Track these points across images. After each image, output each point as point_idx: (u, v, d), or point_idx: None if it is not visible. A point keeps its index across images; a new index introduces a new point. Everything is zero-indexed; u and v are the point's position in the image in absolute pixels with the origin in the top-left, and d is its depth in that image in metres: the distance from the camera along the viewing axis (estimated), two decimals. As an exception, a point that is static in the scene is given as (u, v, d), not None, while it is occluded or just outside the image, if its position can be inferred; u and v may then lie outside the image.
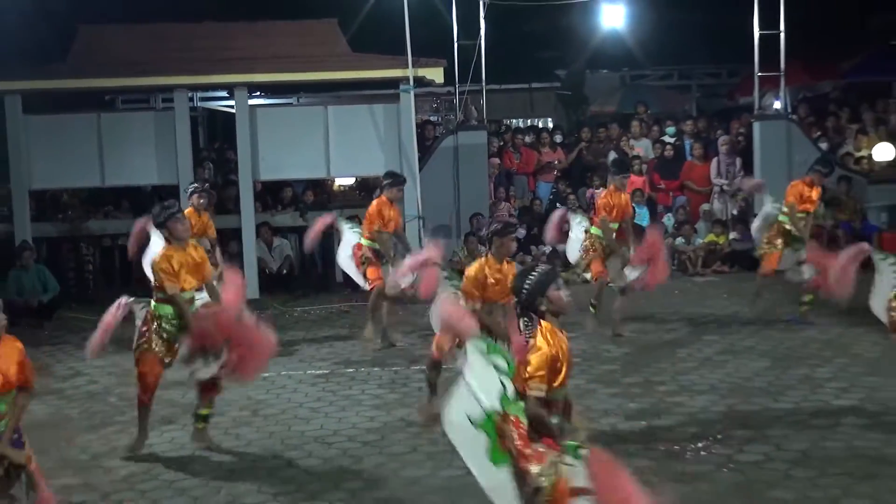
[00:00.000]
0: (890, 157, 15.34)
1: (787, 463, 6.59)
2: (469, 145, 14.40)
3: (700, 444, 7.01)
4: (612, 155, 16.18)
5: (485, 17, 14.64)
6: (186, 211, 10.20)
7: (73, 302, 13.03)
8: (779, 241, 10.65)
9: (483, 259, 7.34)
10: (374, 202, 10.29)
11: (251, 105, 13.79)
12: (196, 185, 10.91)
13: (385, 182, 10.33)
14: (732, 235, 14.44)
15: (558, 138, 16.69)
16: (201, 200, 10.51)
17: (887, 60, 19.42)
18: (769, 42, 14.99)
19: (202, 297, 7.87)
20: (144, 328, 7.18)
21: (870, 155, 15.54)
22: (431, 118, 18.96)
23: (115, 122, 13.75)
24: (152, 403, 7.30)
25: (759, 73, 15.27)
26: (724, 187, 15.37)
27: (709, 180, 15.58)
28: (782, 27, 14.83)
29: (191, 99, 15.61)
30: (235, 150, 13.82)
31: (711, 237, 14.62)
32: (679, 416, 7.70)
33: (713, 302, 12.34)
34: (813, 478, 6.30)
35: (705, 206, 15.34)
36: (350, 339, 10.89)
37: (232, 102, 14.14)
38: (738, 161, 15.51)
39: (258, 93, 15.89)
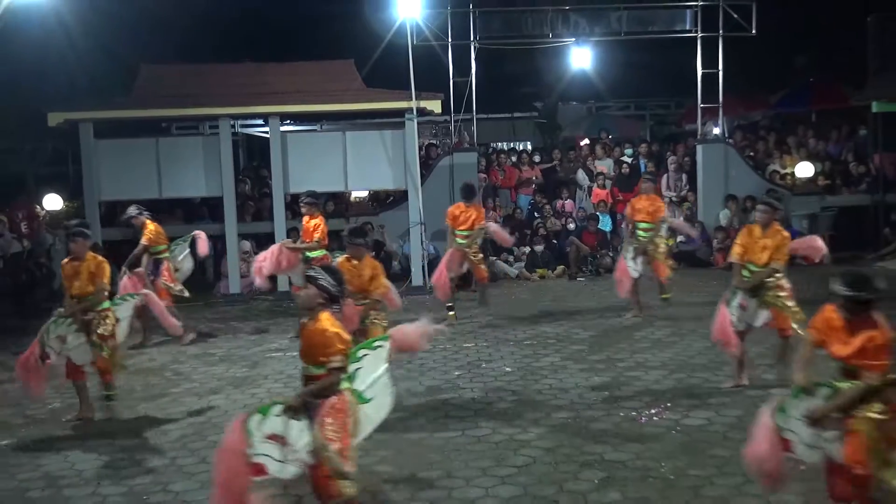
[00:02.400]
0: (810, 174, 15.36)
1: (725, 426, 6.60)
2: (462, 164, 14.38)
3: (653, 411, 7.02)
4: (581, 172, 16.20)
5: (475, 59, 14.64)
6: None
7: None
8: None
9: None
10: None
11: (282, 131, 13.75)
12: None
13: None
14: (679, 238, 14.44)
15: (536, 158, 16.65)
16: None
17: (808, 94, 19.46)
18: (710, 79, 15.00)
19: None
20: None
21: (793, 172, 15.56)
22: (433, 142, 18.91)
23: (170, 145, 13.70)
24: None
25: (702, 105, 15.27)
26: (673, 199, 15.37)
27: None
28: (721, 67, 14.85)
29: (233, 126, 15.56)
30: (269, 168, 13.80)
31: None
32: (635, 388, 7.71)
33: (664, 293, 12.29)
34: (747, 439, 6.28)
35: (657, 215, 15.30)
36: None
37: (267, 129, 14.08)
38: (684, 177, 15.55)
39: (288, 121, 15.86)
